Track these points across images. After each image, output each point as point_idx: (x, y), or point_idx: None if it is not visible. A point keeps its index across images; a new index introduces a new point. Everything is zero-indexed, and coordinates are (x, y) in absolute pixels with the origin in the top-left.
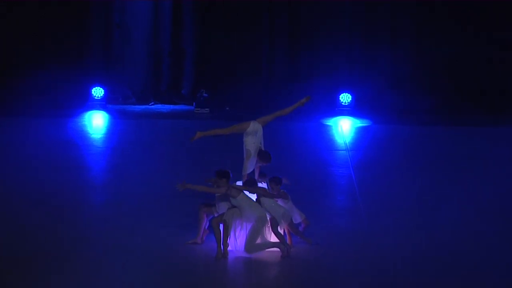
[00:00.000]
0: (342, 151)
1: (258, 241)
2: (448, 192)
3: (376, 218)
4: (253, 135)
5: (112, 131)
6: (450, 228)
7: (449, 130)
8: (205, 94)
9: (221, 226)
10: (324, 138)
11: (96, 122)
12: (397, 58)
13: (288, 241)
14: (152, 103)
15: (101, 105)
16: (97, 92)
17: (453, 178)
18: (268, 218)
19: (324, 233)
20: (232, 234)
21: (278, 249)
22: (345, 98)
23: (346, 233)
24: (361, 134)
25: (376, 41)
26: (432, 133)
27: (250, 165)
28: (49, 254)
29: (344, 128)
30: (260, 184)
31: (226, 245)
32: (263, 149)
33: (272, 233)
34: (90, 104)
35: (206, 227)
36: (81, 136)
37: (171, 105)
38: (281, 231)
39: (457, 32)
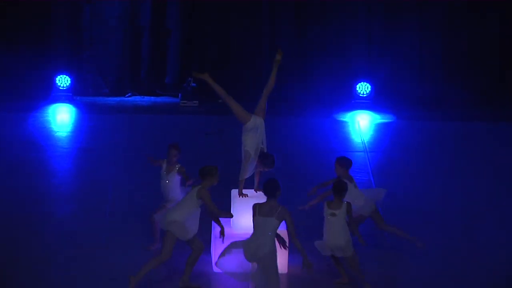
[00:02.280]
0: (360, 153)
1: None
2: (495, 205)
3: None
4: (254, 132)
5: (81, 129)
6: (504, 252)
7: (490, 126)
8: (193, 84)
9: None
10: (338, 136)
11: (61, 118)
12: (425, 40)
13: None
14: (129, 94)
15: (67, 97)
16: (63, 81)
17: (498, 187)
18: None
19: None
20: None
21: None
22: (363, 88)
23: (365, 253)
24: (382, 132)
25: (400, 19)
26: (469, 130)
27: (249, 169)
28: (5, 274)
29: (362, 125)
30: (259, 193)
31: None
32: (265, 150)
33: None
34: (54, 95)
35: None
36: (44, 135)
37: (152, 97)
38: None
39: (497, 8)
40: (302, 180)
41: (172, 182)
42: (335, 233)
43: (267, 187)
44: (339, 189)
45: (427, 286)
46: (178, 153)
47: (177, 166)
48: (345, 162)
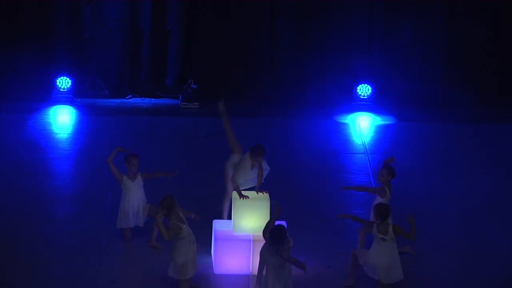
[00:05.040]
0: (360, 155)
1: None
2: (496, 206)
3: (401, 238)
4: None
5: (81, 130)
6: (504, 252)
7: (490, 127)
8: (193, 85)
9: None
10: (339, 138)
11: (62, 119)
12: (426, 40)
13: None
14: (129, 96)
15: (68, 98)
16: (63, 83)
17: (499, 188)
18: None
19: (337, 255)
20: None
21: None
22: (364, 90)
23: None
24: (383, 134)
25: (401, 19)
26: (470, 131)
27: (241, 175)
28: (5, 274)
29: (362, 126)
30: (260, 195)
31: None
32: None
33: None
34: (55, 97)
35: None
36: (44, 136)
37: (153, 99)
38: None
39: (497, 8)
40: (303, 181)
41: (141, 187)
42: (386, 257)
43: (274, 235)
44: (379, 213)
45: (427, 286)
46: (137, 161)
47: (140, 174)
48: (394, 172)
